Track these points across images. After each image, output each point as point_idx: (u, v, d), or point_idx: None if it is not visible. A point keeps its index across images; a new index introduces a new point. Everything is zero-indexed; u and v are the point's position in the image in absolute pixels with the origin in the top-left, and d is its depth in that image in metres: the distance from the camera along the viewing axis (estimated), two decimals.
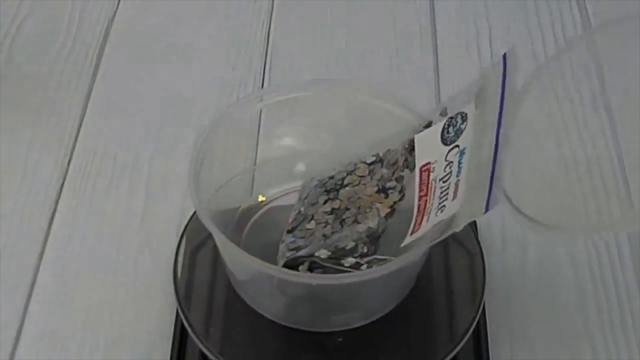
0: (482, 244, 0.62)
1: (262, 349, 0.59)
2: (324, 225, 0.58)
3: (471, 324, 0.58)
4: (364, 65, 0.82)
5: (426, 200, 0.54)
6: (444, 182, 0.54)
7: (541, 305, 0.64)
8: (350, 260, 0.55)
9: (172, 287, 0.60)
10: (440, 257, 0.61)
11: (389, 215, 0.57)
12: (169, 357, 0.60)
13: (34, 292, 0.65)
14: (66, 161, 0.73)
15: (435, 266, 0.61)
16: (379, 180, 0.58)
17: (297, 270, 0.55)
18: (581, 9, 0.87)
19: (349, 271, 0.54)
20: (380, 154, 0.59)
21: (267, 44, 0.83)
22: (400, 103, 0.60)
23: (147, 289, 0.65)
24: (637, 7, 0.87)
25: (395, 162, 0.58)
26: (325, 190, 0.59)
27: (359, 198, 0.58)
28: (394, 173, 0.58)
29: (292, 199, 0.62)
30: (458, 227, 0.53)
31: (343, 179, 0.59)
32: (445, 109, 0.56)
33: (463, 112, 0.54)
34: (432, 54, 0.83)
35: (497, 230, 0.68)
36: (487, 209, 0.53)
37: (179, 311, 0.59)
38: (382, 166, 0.58)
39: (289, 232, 0.58)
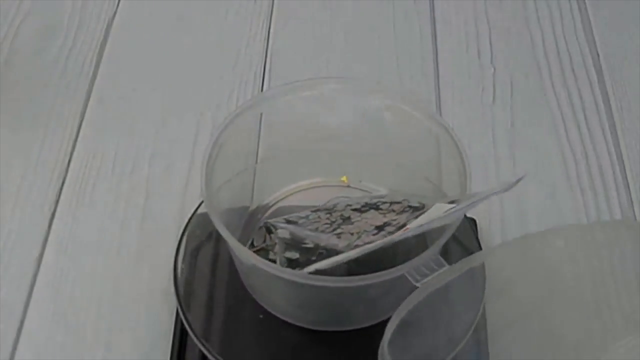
0: (482, 244, 0.62)
1: (262, 349, 0.59)
2: (327, 222, 0.59)
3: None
4: (364, 65, 0.82)
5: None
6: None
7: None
8: (292, 254, 0.57)
9: (172, 287, 0.60)
10: None
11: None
12: (169, 357, 0.60)
13: (34, 292, 0.65)
14: (66, 161, 0.73)
15: None
16: (392, 220, 0.58)
17: (270, 236, 0.58)
18: (581, 9, 0.87)
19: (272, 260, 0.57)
20: (425, 206, 0.59)
21: (267, 44, 0.83)
22: (402, 100, 0.61)
23: (147, 289, 0.65)
24: (637, 7, 0.87)
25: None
26: (367, 203, 0.61)
27: (366, 222, 0.58)
28: (405, 221, 0.58)
29: (299, 199, 0.63)
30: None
31: (383, 203, 0.60)
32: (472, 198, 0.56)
33: None
34: (432, 54, 0.83)
35: (497, 230, 0.68)
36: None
37: (179, 311, 0.59)
38: (411, 213, 0.59)
39: (313, 211, 0.61)
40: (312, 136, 0.63)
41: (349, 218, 0.60)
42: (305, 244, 0.58)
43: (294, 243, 0.58)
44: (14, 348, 0.62)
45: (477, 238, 0.63)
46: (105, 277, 0.66)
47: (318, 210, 0.61)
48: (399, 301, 0.57)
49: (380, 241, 0.55)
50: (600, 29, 0.85)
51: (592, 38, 0.84)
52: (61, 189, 0.71)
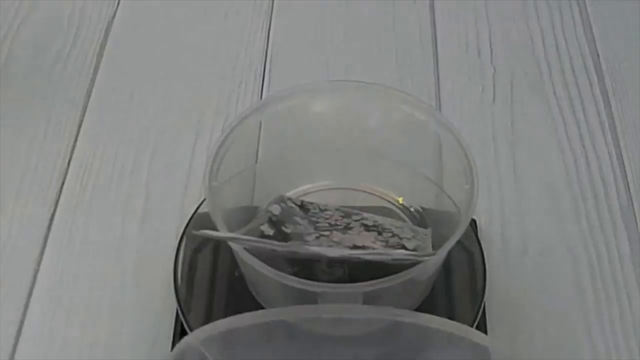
0: (482, 244, 0.62)
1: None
2: (331, 222, 0.59)
3: (471, 324, 0.58)
4: (364, 66, 0.82)
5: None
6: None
7: (541, 305, 0.64)
8: (267, 229, 0.58)
9: (172, 287, 0.60)
10: None
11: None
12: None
13: (33, 292, 0.65)
14: (66, 161, 0.73)
15: None
16: (374, 248, 0.58)
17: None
18: (581, 9, 0.87)
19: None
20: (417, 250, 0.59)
21: (267, 44, 0.83)
22: (404, 101, 0.61)
23: (147, 289, 0.65)
24: (637, 6, 0.87)
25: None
26: (379, 225, 0.60)
27: (354, 239, 0.59)
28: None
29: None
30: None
31: (388, 231, 0.60)
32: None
33: None
34: (432, 54, 0.83)
35: (497, 230, 0.68)
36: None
37: (179, 311, 0.59)
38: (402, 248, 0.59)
39: (336, 208, 0.61)
40: (314, 137, 0.63)
41: (350, 229, 0.59)
42: (286, 227, 0.59)
43: (277, 221, 0.59)
44: (14, 348, 0.62)
45: (477, 238, 0.63)
46: (105, 277, 0.66)
47: (339, 209, 0.61)
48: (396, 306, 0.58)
49: (312, 247, 0.56)
50: (600, 29, 0.85)
51: (592, 38, 0.84)
52: (61, 189, 0.71)
